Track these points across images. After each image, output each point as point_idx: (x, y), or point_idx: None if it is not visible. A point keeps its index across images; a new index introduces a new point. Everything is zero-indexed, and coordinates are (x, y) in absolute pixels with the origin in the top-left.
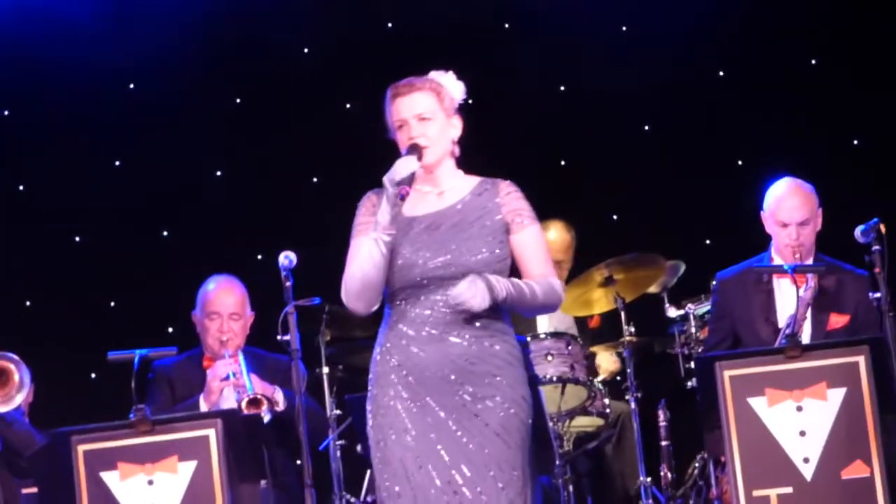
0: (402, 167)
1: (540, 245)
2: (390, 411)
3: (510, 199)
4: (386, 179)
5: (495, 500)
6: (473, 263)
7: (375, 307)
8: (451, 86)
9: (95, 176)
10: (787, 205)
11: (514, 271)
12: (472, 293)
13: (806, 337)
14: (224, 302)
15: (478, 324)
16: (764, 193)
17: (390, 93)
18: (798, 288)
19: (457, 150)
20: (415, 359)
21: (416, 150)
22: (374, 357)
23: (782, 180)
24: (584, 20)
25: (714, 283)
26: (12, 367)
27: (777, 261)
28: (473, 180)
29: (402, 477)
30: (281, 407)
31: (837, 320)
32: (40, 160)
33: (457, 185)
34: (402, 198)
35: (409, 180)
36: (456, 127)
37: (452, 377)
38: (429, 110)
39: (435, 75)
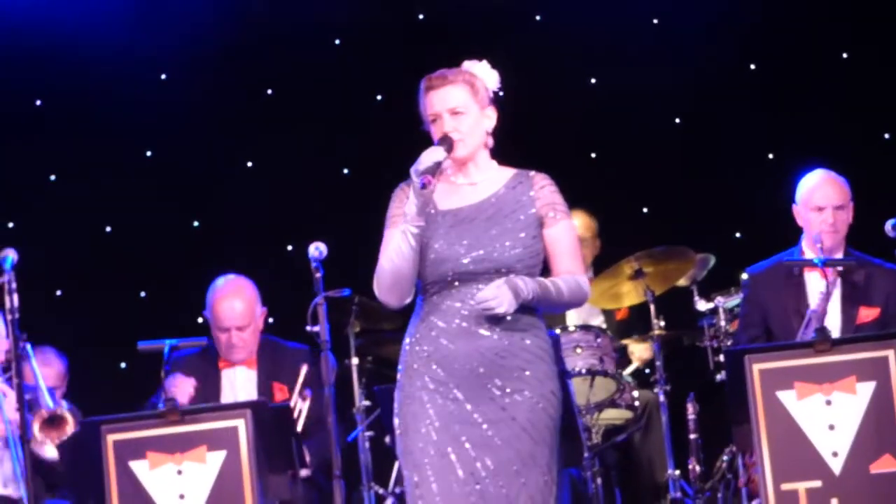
0: (427, 157)
1: (571, 241)
2: (416, 401)
3: (545, 192)
4: (412, 170)
5: (516, 495)
6: (507, 258)
7: (408, 300)
8: (486, 75)
9: (127, 166)
10: (824, 190)
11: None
12: (499, 299)
13: (836, 331)
14: (230, 316)
15: (509, 318)
16: (796, 185)
17: (424, 85)
18: (828, 282)
19: (491, 142)
20: (444, 350)
21: (446, 141)
22: (404, 347)
23: (815, 171)
24: (616, 13)
25: (744, 277)
26: (69, 417)
27: (808, 254)
28: (508, 172)
29: (422, 466)
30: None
31: (867, 314)
32: (72, 150)
33: (491, 178)
34: (424, 187)
35: (434, 170)
36: (490, 118)
37: (481, 370)
38: (462, 104)
39: (469, 65)
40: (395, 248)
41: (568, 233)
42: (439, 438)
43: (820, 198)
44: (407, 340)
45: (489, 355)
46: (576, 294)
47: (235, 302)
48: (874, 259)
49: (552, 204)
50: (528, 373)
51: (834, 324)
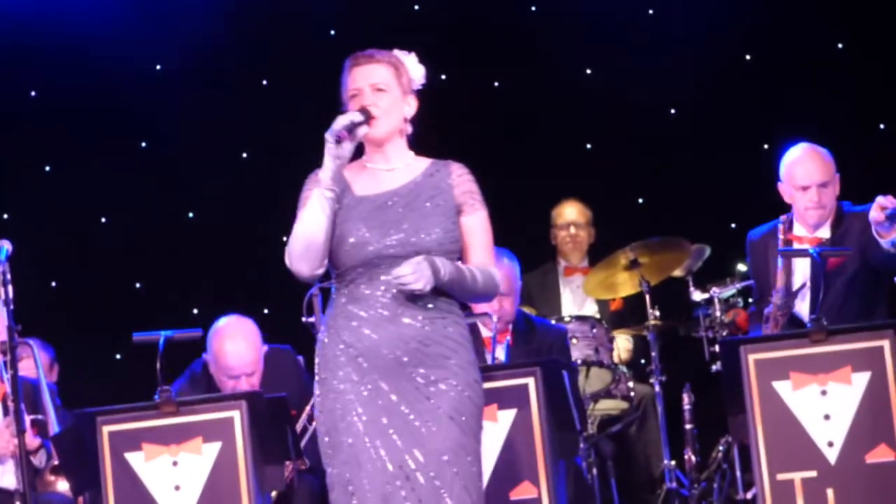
0: (342, 119)
1: (485, 232)
2: (340, 396)
3: (462, 180)
4: (327, 134)
5: (449, 486)
6: (428, 242)
7: (320, 272)
8: (412, 66)
9: (122, 157)
10: (806, 168)
11: None
12: (416, 274)
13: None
14: (239, 365)
15: (430, 305)
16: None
17: (349, 63)
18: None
19: (409, 129)
20: (366, 341)
21: (364, 113)
22: (321, 339)
23: (797, 146)
24: (612, 3)
25: (745, 245)
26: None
27: (798, 229)
28: (424, 161)
29: (353, 464)
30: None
31: (835, 260)
32: (67, 142)
33: (408, 164)
34: (339, 141)
35: (350, 129)
36: (410, 105)
37: (405, 359)
38: (384, 82)
39: (398, 53)
40: (309, 214)
41: (483, 224)
42: (368, 432)
43: (803, 176)
44: (323, 332)
45: (413, 343)
46: (489, 286)
47: (243, 353)
48: (854, 207)
49: (470, 192)
50: (452, 361)
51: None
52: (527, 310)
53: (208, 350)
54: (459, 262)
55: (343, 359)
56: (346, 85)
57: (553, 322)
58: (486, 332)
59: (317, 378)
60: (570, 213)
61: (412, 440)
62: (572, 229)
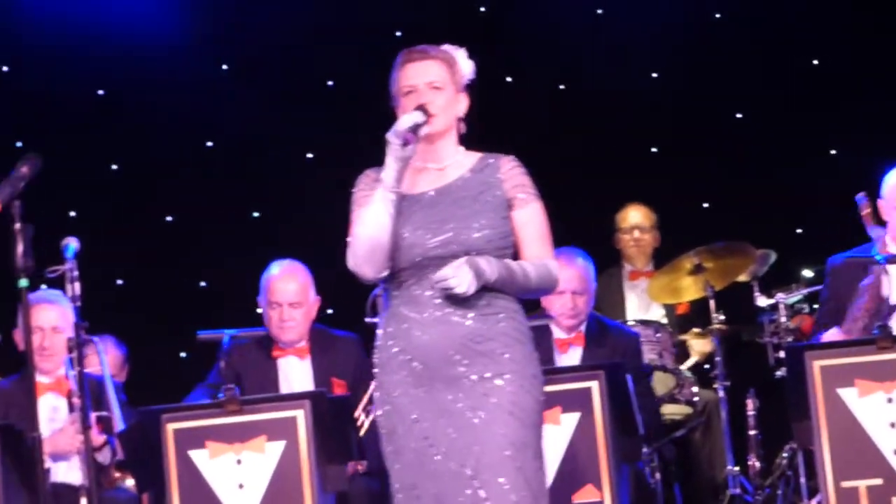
0: (406, 120)
1: (539, 224)
2: (398, 400)
3: (512, 174)
4: (390, 134)
5: (513, 483)
6: (475, 241)
7: (384, 273)
8: (463, 62)
9: (188, 156)
10: None
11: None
12: (458, 278)
13: None
14: (284, 290)
15: (482, 302)
16: (858, 181)
17: (402, 58)
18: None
19: (462, 128)
20: (417, 342)
21: (424, 111)
22: (377, 343)
23: None
24: (678, 7)
25: (826, 267)
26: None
27: (891, 247)
28: (474, 156)
29: (416, 466)
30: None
31: None
32: (134, 140)
33: (457, 161)
34: (406, 143)
35: (414, 130)
36: (463, 103)
37: (457, 357)
38: (440, 80)
39: (449, 48)
40: (373, 217)
41: (537, 216)
42: (427, 434)
43: None
44: (379, 335)
45: (464, 342)
46: (545, 280)
47: (290, 280)
48: None
49: (521, 185)
50: (507, 356)
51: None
52: None
53: (260, 290)
54: (509, 260)
55: (397, 362)
56: (399, 81)
57: (626, 325)
58: (558, 334)
59: (376, 378)
60: (635, 217)
61: (472, 438)
62: (636, 233)
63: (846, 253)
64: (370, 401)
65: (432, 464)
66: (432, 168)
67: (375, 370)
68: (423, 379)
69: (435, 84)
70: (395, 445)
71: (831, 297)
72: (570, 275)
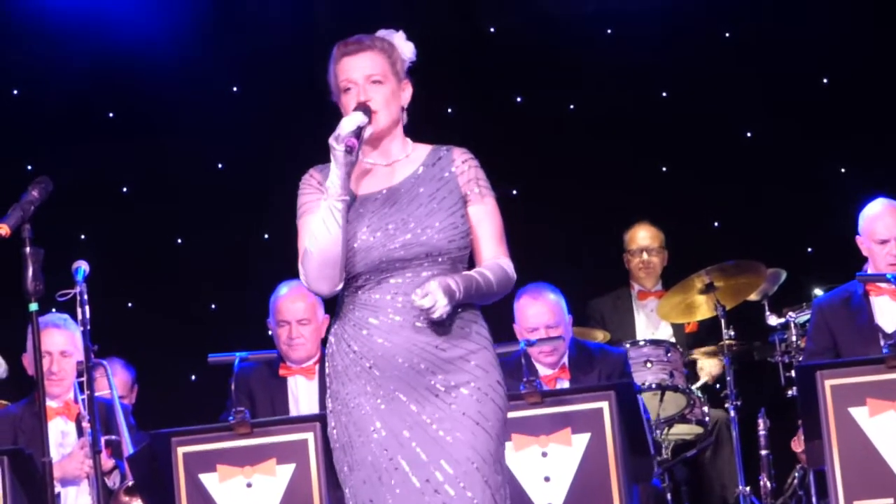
0: (348, 123)
1: (494, 221)
2: (355, 410)
3: (466, 167)
4: (331, 139)
5: (480, 497)
6: (437, 241)
7: (339, 287)
8: (403, 46)
9: (198, 179)
10: (885, 222)
11: None
12: (435, 305)
13: None
14: (292, 308)
15: None
16: (867, 201)
17: (338, 51)
18: None
19: (405, 118)
20: (379, 350)
21: (364, 108)
22: (330, 350)
23: (876, 201)
24: (689, 27)
25: (812, 307)
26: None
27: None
28: (425, 149)
29: (374, 482)
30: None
31: None
32: (144, 163)
33: (408, 156)
34: (350, 150)
35: (357, 134)
36: (407, 92)
37: (422, 366)
38: (380, 73)
39: (385, 34)
40: (321, 229)
41: (491, 212)
42: (388, 446)
43: (882, 230)
44: (332, 342)
45: (429, 349)
46: (503, 283)
47: (298, 299)
48: None
49: (475, 179)
50: (472, 362)
51: None
52: (599, 334)
53: (269, 310)
54: (471, 273)
55: (355, 370)
56: (337, 76)
57: (609, 344)
58: (543, 371)
59: (329, 390)
60: (643, 239)
61: (438, 451)
62: (644, 255)
63: (833, 291)
64: None
65: (392, 477)
66: (381, 165)
67: (328, 378)
68: (384, 388)
69: (374, 77)
70: (352, 458)
71: (822, 335)
72: (541, 310)
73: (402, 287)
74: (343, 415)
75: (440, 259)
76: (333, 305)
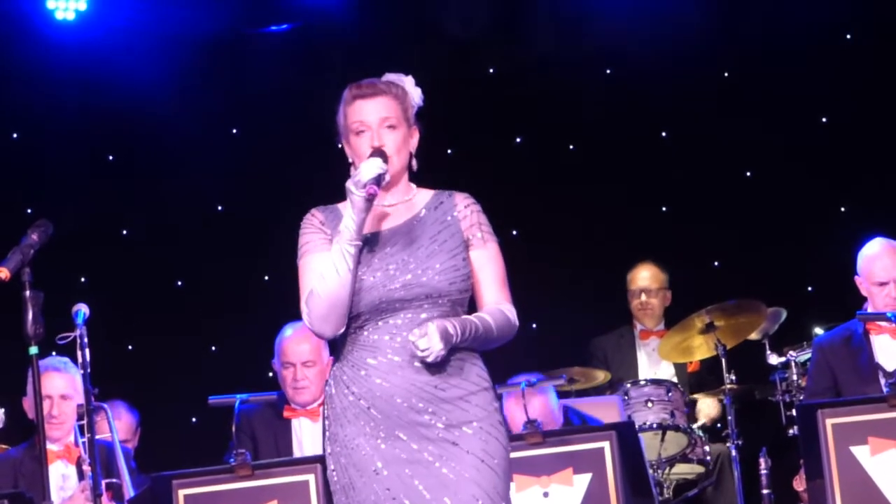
0: (368, 169)
1: (497, 266)
2: (355, 451)
3: (469, 211)
4: (350, 184)
5: None
6: (438, 283)
7: (342, 330)
8: (413, 91)
9: (198, 220)
10: (884, 263)
11: None
12: (430, 349)
13: None
14: (297, 350)
15: None
16: (866, 240)
17: (351, 93)
18: None
19: (415, 164)
20: (377, 390)
21: (381, 154)
22: (329, 392)
23: (874, 241)
24: (686, 67)
25: (813, 346)
26: None
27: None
28: (428, 193)
29: None
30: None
31: None
32: (143, 205)
33: (412, 199)
34: (371, 198)
35: (377, 181)
36: (415, 138)
37: (421, 405)
38: (394, 117)
39: (395, 78)
40: (331, 271)
41: (494, 258)
42: (391, 486)
43: (881, 272)
44: (331, 384)
45: (428, 388)
46: (504, 330)
47: (303, 341)
48: None
49: (478, 225)
50: (473, 402)
51: None
52: (601, 373)
53: (274, 352)
54: (471, 318)
55: (354, 411)
56: (349, 117)
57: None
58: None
59: (327, 433)
60: (642, 280)
61: (441, 489)
62: (643, 296)
63: (833, 330)
64: None
65: None
66: (386, 207)
67: (327, 421)
68: (384, 428)
69: (388, 122)
70: (354, 500)
71: (822, 374)
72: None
73: (401, 328)
74: (343, 456)
75: (440, 301)
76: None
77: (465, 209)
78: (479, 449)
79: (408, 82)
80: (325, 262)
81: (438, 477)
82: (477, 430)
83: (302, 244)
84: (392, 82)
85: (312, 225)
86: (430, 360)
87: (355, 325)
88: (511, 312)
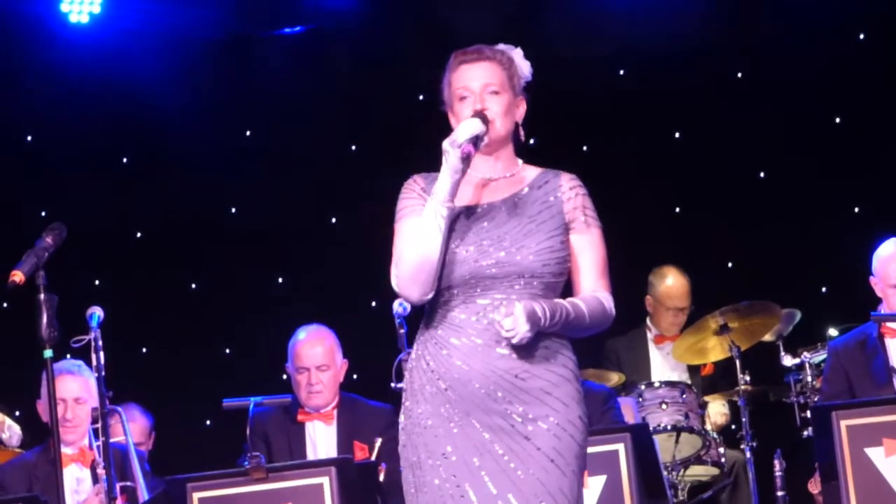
0: (465, 129)
1: (598, 253)
2: (427, 431)
3: (574, 193)
4: (447, 143)
5: None
6: (532, 263)
7: (430, 295)
8: (521, 63)
9: (212, 223)
10: None
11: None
12: (515, 329)
13: None
14: (311, 354)
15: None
16: (881, 240)
17: (454, 60)
18: None
19: (521, 134)
20: (456, 372)
21: (483, 119)
22: (409, 366)
23: (889, 241)
24: (699, 68)
25: (828, 350)
26: None
27: (889, 324)
28: (534, 171)
29: None
30: None
31: None
32: (158, 208)
33: (516, 174)
34: (466, 157)
35: (475, 142)
36: (521, 108)
37: (499, 394)
38: (497, 83)
39: (505, 48)
40: (423, 232)
41: (596, 244)
42: (457, 472)
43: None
44: (412, 358)
45: (508, 377)
46: (597, 318)
47: (316, 344)
48: None
49: (582, 208)
50: (553, 395)
51: None
52: (615, 375)
53: (287, 356)
54: (564, 303)
55: (431, 390)
56: (452, 84)
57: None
58: None
59: (403, 406)
60: (681, 299)
61: (507, 483)
62: (680, 315)
63: (848, 333)
64: (379, 457)
65: None
66: (487, 179)
67: (404, 395)
68: (458, 412)
69: (492, 87)
70: (419, 480)
71: (837, 377)
72: None
73: (487, 309)
74: (415, 434)
75: (533, 283)
76: (350, 350)
77: (570, 191)
78: (550, 447)
79: (516, 54)
80: (417, 224)
81: (506, 472)
82: (552, 426)
83: (399, 209)
84: (499, 49)
85: (413, 190)
86: (514, 341)
87: (443, 299)
88: (608, 301)
